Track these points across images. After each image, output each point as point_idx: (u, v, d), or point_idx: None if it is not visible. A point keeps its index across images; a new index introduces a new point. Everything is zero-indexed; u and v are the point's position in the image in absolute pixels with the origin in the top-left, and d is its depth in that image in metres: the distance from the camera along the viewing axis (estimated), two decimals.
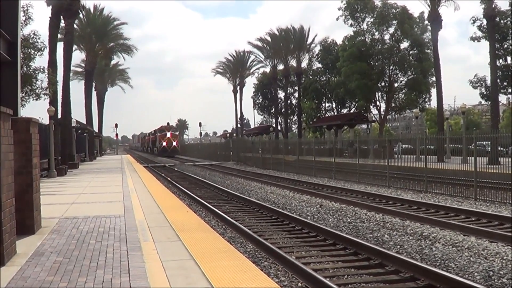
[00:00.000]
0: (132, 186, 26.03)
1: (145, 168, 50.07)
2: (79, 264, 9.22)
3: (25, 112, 41.98)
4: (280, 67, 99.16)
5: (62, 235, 12.25)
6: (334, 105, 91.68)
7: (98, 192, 24.47)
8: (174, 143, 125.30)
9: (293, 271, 12.31)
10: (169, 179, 42.95)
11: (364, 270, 12.66)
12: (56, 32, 47.39)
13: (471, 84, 61.14)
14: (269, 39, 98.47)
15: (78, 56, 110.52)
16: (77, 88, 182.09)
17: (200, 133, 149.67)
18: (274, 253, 13.97)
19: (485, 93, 59.90)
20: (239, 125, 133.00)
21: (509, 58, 58.88)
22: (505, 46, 58.20)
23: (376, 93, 72.03)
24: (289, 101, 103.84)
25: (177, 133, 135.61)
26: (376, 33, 70.23)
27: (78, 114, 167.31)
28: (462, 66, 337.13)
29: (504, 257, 13.53)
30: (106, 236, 11.89)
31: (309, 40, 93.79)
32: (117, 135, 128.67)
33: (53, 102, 43.04)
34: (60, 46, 49.61)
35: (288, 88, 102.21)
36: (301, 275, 11.81)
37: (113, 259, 9.54)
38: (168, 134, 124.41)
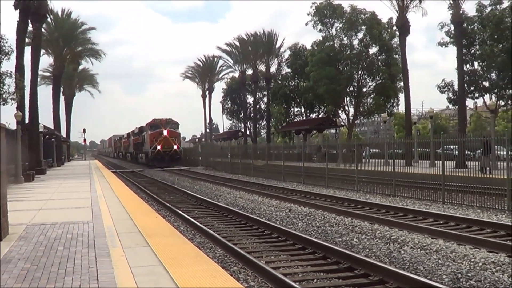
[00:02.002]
0: (100, 192, 25.89)
1: (114, 174, 49.81)
2: (47, 271, 9.15)
3: None
4: (249, 72, 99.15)
5: (30, 241, 12.15)
6: (303, 110, 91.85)
7: (66, 198, 24.30)
8: (175, 147, 78.98)
9: (262, 275, 12.31)
10: (137, 184, 42.77)
11: (334, 274, 12.69)
12: (24, 36, 47.04)
13: (438, 89, 61.48)
14: (238, 44, 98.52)
15: (46, 60, 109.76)
16: (45, 93, 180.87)
17: None
18: (243, 258, 13.97)
19: (452, 97, 60.26)
20: (208, 130, 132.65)
21: (476, 63, 59.41)
22: (472, 51, 58.70)
23: (345, 98, 72.29)
24: (258, 106, 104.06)
25: (178, 130, 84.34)
26: (345, 38, 70.55)
27: (45, 119, 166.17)
28: (429, 71, 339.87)
29: (472, 260, 13.64)
30: (74, 243, 11.82)
31: (278, 45, 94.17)
32: (85, 140, 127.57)
33: (20, 107, 42.75)
34: (27, 50, 49.30)
35: (257, 93, 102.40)
36: (271, 279, 11.82)
37: (81, 266, 9.49)
38: (165, 132, 78.21)
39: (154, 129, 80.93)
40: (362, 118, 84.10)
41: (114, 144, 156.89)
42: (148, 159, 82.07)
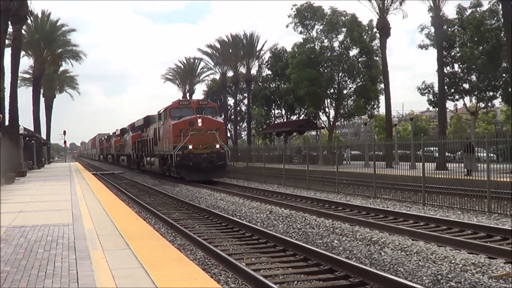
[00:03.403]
0: (80, 194, 25.80)
1: (94, 176, 49.61)
2: (27, 274, 9.12)
3: None
4: (230, 74, 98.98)
5: (10, 244, 12.10)
6: (283, 112, 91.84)
7: (46, 200, 24.20)
8: (217, 146, 47.63)
9: (243, 277, 12.30)
10: (118, 186, 42.58)
11: (314, 275, 12.71)
12: (4, 38, 46.84)
13: (419, 91, 61.85)
14: (218, 45, 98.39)
15: (26, 62, 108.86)
16: (25, 94, 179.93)
17: None
18: (224, 260, 13.96)
19: (432, 99, 60.63)
20: None
21: (456, 66, 59.76)
22: (453, 53, 59.08)
23: (325, 100, 72.51)
24: (238, 108, 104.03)
25: (219, 119, 52.02)
26: (326, 41, 70.77)
27: (25, 121, 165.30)
28: (410, 73, 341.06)
29: (452, 261, 13.70)
30: (55, 245, 11.78)
31: (259, 47, 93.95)
32: (65, 142, 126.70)
33: (0, 109, 42.52)
34: (8, 52, 49.10)
35: (238, 95, 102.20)
36: (251, 281, 11.82)
37: (61, 268, 9.45)
38: (199, 121, 47.18)
39: (178, 117, 48.33)
40: (342, 120, 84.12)
41: (99, 144, 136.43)
42: (166, 165, 51.31)
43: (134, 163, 74.46)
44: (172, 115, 49.03)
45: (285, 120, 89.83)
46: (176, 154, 46.06)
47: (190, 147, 46.02)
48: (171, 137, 47.64)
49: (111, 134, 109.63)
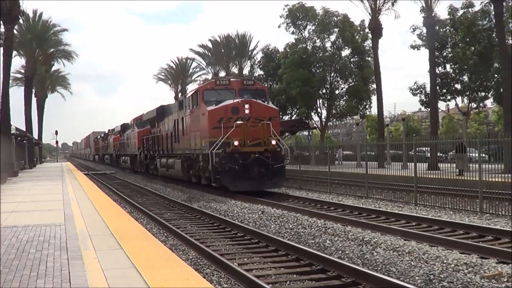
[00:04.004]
0: (72, 194, 25.77)
1: (86, 176, 49.53)
2: (19, 274, 9.10)
3: None
4: (222, 74, 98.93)
5: (2, 244, 12.07)
6: None
7: (38, 200, 24.17)
8: (273, 142, 33.24)
9: (235, 277, 12.29)
10: (110, 186, 42.44)
11: (307, 275, 12.71)
12: None
13: (411, 91, 62.10)
14: (211, 46, 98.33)
15: (18, 62, 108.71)
16: (17, 94, 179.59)
17: None
18: (216, 260, 13.94)
19: (424, 100, 60.86)
20: None
21: (448, 66, 59.96)
22: (444, 54, 59.30)
23: (317, 100, 72.59)
24: None
25: (271, 105, 37.03)
26: (318, 41, 70.83)
27: (17, 121, 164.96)
28: (402, 74, 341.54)
29: (444, 261, 13.71)
30: (47, 245, 11.76)
31: (251, 47, 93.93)
32: (57, 142, 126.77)
33: None
34: None
35: None
36: (244, 281, 11.81)
37: (53, 268, 9.45)
38: (246, 108, 33.30)
39: (215, 101, 34.66)
40: (334, 120, 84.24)
41: (94, 143, 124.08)
42: (195, 169, 38.02)
43: (140, 165, 62.08)
44: (206, 99, 34.82)
45: None
46: (215, 153, 32.51)
47: (236, 143, 32.30)
48: (206, 129, 34.04)
49: (108, 131, 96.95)
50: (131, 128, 68.00)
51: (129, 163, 69.45)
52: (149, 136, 55.49)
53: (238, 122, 32.54)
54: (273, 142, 32.96)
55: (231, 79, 37.47)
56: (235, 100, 33.60)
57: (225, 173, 32.36)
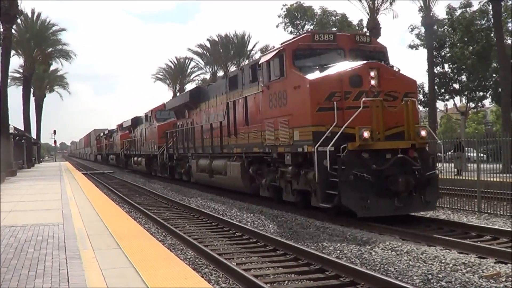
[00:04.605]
0: (70, 194, 25.77)
1: (84, 175, 49.52)
2: (18, 273, 9.11)
3: None
4: (220, 73, 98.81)
5: (0, 244, 12.06)
6: None
7: (36, 200, 24.17)
8: (423, 133, 19.69)
9: (233, 277, 12.28)
10: (108, 186, 42.38)
11: (305, 275, 12.69)
12: None
13: None
14: (209, 45, 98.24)
15: (16, 61, 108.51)
16: (15, 94, 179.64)
17: None
18: (214, 259, 13.92)
19: (423, 99, 60.78)
20: None
21: (446, 66, 59.98)
22: (443, 53, 59.30)
23: None
24: None
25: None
26: None
27: (15, 120, 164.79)
28: None
29: (443, 261, 13.69)
30: (45, 245, 11.76)
31: (250, 47, 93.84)
32: (55, 141, 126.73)
33: None
34: None
35: None
36: (242, 281, 11.79)
37: (52, 268, 9.45)
38: (373, 76, 19.37)
39: (313, 66, 21.11)
40: None
41: (96, 142, 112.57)
42: (284, 179, 23.61)
43: (162, 168, 49.02)
44: (299, 65, 21.37)
45: None
46: (328, 151, 18.73)
47: (366, 135, 18.69)
48: (304, 112, 20.36)
49: (115, 127, 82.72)
50: (147, 122, 54.59)
51: (144, 165, 56.68)
52: (176, 130, 42.79)
53: (365, 99, 19.19)
54: (423, 132, 20.04)
55: (337, 33, 23.23)
56: (354, 64, 20.25)
57: (348, 187, 18.58)
